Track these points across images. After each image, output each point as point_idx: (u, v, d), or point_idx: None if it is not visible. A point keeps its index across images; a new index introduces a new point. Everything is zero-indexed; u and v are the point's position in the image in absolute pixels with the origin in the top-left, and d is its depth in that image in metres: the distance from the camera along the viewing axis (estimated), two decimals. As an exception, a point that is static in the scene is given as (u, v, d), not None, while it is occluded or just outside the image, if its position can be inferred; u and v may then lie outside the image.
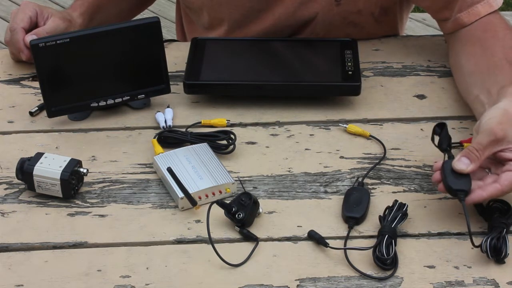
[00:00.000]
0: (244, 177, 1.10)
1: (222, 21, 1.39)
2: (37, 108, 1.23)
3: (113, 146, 1.16)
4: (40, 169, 1.05)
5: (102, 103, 1.20)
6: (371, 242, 0.98)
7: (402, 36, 1.48)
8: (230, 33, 1.40)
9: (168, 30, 3.01)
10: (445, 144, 1.05)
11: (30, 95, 1.27)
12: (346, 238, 0.99)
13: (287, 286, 0.94)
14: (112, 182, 1.10)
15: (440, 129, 1.06)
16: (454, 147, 1.10)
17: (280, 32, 1.37)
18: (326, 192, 1.07)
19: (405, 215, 1.00)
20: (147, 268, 0.96)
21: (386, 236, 0.96)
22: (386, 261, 0.95)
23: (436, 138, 1.07)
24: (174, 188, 1.03)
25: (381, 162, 1.12)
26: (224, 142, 1.13)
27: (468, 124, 1.19)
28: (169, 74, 1.22)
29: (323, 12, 1.33)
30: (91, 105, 1.20)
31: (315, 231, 1.00)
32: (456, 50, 1.27)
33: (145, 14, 1.64)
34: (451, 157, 1.03)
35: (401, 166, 1.11)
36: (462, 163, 0.99)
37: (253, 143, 1.17)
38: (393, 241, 0.96)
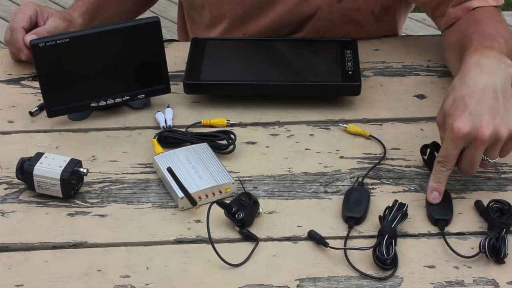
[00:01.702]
0: (244, 177, 1.10)
1: (224, 18, 1.39)
2: (37, 108, 1.23)
3: (113, 146, 1.16)
4: (40, 169, 1.05)
5: (102, 103, 1.20)
6: (371, 242, 0.98)
7: (402, 36, 1.48)
8: (232, 29, 1.40)
9: (168, 30, 3.01)
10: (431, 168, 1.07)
11: (30, 95, 1.27)
12: (346, 238, 0.99)
13: (287, 286, 0.94)
14: (112, 182, 1.10)
15: (426, 150, 1.09)
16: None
17: (281, 29, 1.37)
18: (326, 192, 1.07)
19: (405, 215, 1.00)
20: (147, 268, 0.96)
21: (386, 236, 0.96)
22: (386, 261, 0.95)
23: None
24: (174, 188, 1.03)
25: (381, 162, 1.12)
26: (224, 142, 1.13)
27: (468, 124, 1.19)
28: (169, 74, 1.22)
29: (323, 8, 1.33)
30: (91, 105, 1.20)
31: (315, 231, 1.00)
32: (444, 44, 1.28)
33: (145, 14, 1.64)
34: None
35: (401, 166, 1.11)
36: (433, 199, 1.02)
37: (253, 143, 1.17)
38: (393, 241, 0.96)
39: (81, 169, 1.06)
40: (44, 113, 1.20)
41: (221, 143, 1.13)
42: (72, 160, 1.06)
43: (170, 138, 1.15)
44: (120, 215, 1.04)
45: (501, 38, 1.12)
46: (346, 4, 1.33)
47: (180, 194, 1.03)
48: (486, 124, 0.98)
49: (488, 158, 1.01)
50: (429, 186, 1.03)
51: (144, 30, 1.17)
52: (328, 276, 0.95)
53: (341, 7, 1.33)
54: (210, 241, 0.97)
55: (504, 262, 0.96)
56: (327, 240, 0.98)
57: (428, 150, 1.08)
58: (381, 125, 1.20)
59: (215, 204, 1.00)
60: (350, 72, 1.23)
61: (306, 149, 1.15)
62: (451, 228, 1.01)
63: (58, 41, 1.13)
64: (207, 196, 1.05)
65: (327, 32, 1.36)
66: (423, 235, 1.00)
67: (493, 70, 1.02)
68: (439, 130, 1.03)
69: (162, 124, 1.19)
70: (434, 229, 1.01)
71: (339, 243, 0.99)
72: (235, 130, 1.16)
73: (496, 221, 0.98)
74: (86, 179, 1.09)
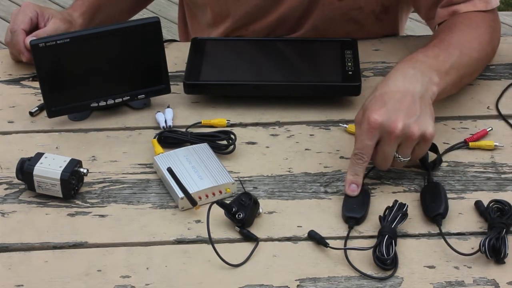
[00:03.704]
0: (244, 177, 1.10)
1: (227, 17, 1.39)
2: (37, 108, 1.23)
3: (113, 146, 1.16)
4: (40, 169, 1.05)
5: (102, 103, 1.20)
6: (371, 242, 0.98)
7: (402, 36, 1.48)
8: (234, 29, 1.40)
9: (168, 30, 3.01)
10: (425, 166, 1.09)
11: (30, 95, 1.27)
12: (346, 238, 0.99)
13: (287, 286, 0.94)
14: (112, 182, 1.10)
15: None
16: (457, 146, 1.14)
17: (281, 26, 1.37)
18: (326, 192, 1.07)
19: (405, 215, 1.00)
20: (147, 268, 0.96)
21: (386, 236, 0.96)
22: (386, 261, 0.95)
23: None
24: (174, 188, 1.03)
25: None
26: (224, 142, 1.13)
27: (468, 124, 1.19)
28: (169, 74, 1.22)
29: (324, 5, 1.33)
30: (91, 105, 1.20)
31: (315, 231, 1.00)
32: None
33: (145, 14, 1.64)
34: (430, 180, 1.07)
35: (401, 166, 1.11)
36: (351, 191, 1.04)
37: (253, 143, 1.17)
38: (393, 241, 0.96)
39: (81, 169, 1.06)
40: (44, 113, 1.20)
41: (221, 143, 1.13)
42: (72, 160, 1.06)
43: (170, 138, 1.15)
44: (120, 215, 1.04)
45: (456, 50, 1.15)
46: (347, 2, 1.33)
47: (180, 194, 1.03)
48: (401, 120, 1.01)
49: (400, 156, 1.03)
50: (347, 180, 1.04)
51: (144, 30, 1.17)
52: (328, 276, 0.95)
53: (341, 5, 1.33)
54: (210, 241, 0.97)
55: (504, 262, 0.96)
56: (327, 240, 0.98)
57: None
58: (381, 125, 1.20)
59: (215, 204, 1.00)
60: (350, 72, 1.23)
61: (306, 149, 1.15)
62: (451, 228, 1.01)
63: (58, 41, 1.13)
64: (207, 196, 1.05)
65: (327, 30, 1.36)
66: (423, 235, 1.00)
67: (416, 80, 1.06)
68: (356, 127, 1.05)
69: (162, 124, 1.19)
70: (434, 229, 1.01)
71: (339, 243, 0.99)
72: (235, 130, 1.16)
73: (496, 221, 0.98)
74: (86, 179, 1.09)
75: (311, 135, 1.18)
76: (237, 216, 1.00)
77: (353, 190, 1.04)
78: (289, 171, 1.11)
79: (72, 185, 1.05)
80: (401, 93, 1.04)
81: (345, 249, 0.97)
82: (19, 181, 1.08)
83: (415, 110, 1.02)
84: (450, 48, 1.16)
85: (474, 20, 1.24)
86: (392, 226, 0.98)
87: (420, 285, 0.94)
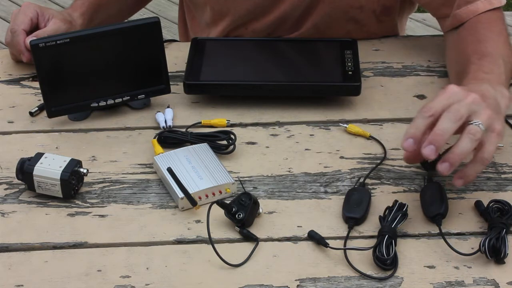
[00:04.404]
0: (244, 177, 1.10)
1: (226, 16, 1.39)
2: (37, 108, 1.23)
3: (113, 146, 1.16)
4: (40, 169, 1.05)
5: (102, 103, 1.20)
6: (371, 242, 0.98)
7: (402, 36, 1.48)
8: (234, 28, 1.40)
9: (168, 30, 3.01)
10: (425, 166, 1.08)
11: (30, 95, 1.27)
12: (346, 238, 0.99)
13: (287, 286, 0.94)
14: (112, 182, 1.10)
15: None
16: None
17: (282, 25, 1.37)
18: (326, 192, 1.07)
19: (405, 215, 1.00)
20: (147, 268, 0.96)
21: (386, 236, 0.96)
22: (386, 261, 0.95)
23: None
24: (174, 188, 1.03)
25: (382, 162, 1.12)
26: (224, 142, 1.13)
27: (468, 124, 1.19)
28: (169, 74, 1.22)
29: (324, 2, 1.33)
30: (91, 105, 1.20)
31: (315, 231, 1.00)
32: (449, 45, 1.28)
33: (145, 14, 1.64)
34: (430, 180, 1.06)
35: (401, 166, 1.11)
36: (406, 146, 0.98)
37: (253, 143, 1.17)
38: (393, 241, 0.96)
39: (81, 169, 1.06)
40: (44, 113, 1.20)
41: (221, 143, 1.13)
42: (72, 160, 1.06)
43: (170, 138, 1.15)
44: (120, 215, 1.04)
45: (500, 59, 1.15)
46: (348, 1, 1.33)
47: (180, 194, 1.03)
48: (475, 95, 0.99)
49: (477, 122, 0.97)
50: (405, 133, 0.99)
51: (144, 30, 1.17)
52: (328, 276, 0.95)
53: (342, 3, 1.33)
54: (210, 241, 0.97)
55: (504, 262, 0.96)
56: (327, 240, 0.98)
57: None
58: (381, 125, 1.20)
59: (215, 204, 1.00)
60: (350, 72, 1.23)
61: (306, 149, 1.15)
62: (451, 228, 1.01)
63: (58, 41, 1.13)
64: (207, 196, 1.05)
65: (328, 30, 1.36)
66: (423, 235, 1.00)
67: (490, 90, 1.04)
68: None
69: (162, 124, 1.19)
70: (434, 229, 1.01)
71: (339, 243, 0.99)
72: (235, 130, 1.16)
73: (496, 221, 0.98)
74: (86, 179, 1.09)
75: (311, 135, 1.18)
76: (237, 216, 1.00)
77: (408, 145, 0.98)
78: (289, 171, 1.11)
79: (72, 185, 1.05)
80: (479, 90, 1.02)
81: (345, 249, 0.97)
82: (19, 181, 1.08)
83: (490, 100, 1.00)
84: (493, 58, 1.15)
85: (493, 24, 1.23)
86: (392, 226, 0.98)
87: (420, 285, 0.94)
